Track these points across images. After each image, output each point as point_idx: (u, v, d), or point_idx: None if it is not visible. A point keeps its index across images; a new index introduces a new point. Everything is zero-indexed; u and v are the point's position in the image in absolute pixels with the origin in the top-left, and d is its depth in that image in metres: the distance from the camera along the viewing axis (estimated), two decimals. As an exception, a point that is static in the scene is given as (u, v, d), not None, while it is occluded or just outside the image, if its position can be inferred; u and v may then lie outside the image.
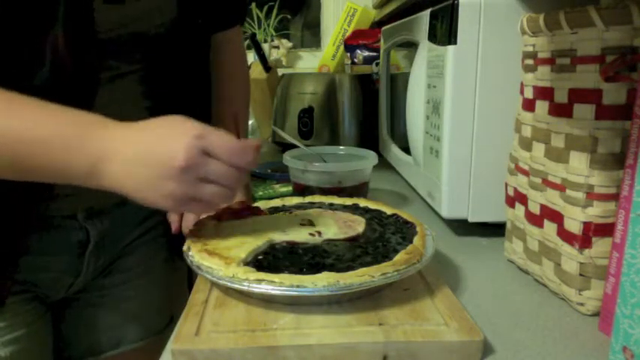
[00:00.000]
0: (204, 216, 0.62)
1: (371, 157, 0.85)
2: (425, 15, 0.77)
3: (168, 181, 0.47)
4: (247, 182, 0.60)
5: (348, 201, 0.70)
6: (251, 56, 1.63)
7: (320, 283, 0.46)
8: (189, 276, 0.87)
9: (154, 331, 0.80)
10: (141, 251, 0.79)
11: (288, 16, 1.99)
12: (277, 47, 1.89)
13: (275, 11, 1.93)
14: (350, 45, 1.57)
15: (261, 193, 0.93)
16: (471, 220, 0.70)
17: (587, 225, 0.49)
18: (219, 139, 0.48)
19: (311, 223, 0.60)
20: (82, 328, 0.76)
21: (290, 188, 0.87)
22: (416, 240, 0.55)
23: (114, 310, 0.77)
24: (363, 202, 0.69)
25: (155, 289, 0.81)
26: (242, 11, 0.88)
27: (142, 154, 0.48)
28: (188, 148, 0.47)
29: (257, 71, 1.53)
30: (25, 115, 0.49)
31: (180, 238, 0.63)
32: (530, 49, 0.57)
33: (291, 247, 0.54)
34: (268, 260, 0.52)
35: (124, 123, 0.50)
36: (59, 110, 0.50)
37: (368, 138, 1.24)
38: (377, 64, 1.48)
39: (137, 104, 0.68)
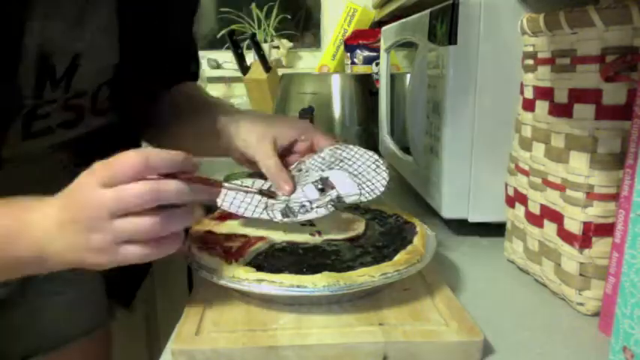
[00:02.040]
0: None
1: (371, 157, 0.85)
2: (425, 15, 0.77)
3: (85, 235, 0.43)
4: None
5: (348, 201, 0.70)
6: (251, 56, 1.64)
7: (320, 283, 0.46)
8: (189, 276, 0.87)
9: (90, 326, 0.76)
10: None
11: (288, 16, 1.99)
12: (277, 47, 1.89)
13: (275, 11, 1.93)
14: (350, 45, 1.57)
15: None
16: (471, 220, 0.70)
17: (587, 225, 0.49)
18: (115, 161, 0.42)
19: (311, 223, 0.60)
20: (8, 331, 0.70)
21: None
22: (416, 240, 0.55)
23: (42, 309, 0.72)
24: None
25: (89, 280, 0.76)
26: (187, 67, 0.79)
27: (67, 213, 0.45)
28: (82, 196, 0.43)
29: (257, 71, 1.54)
30: None
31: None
32: (530, 49, 0.57)
33: (291, 247, 0.54)
34: (268, 260, 0.52)
35: (41, 201, 0.46)
36: None
37: (368, 138, 1.24)
38: (377, 64, 1.48)
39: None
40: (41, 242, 0.45)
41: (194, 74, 0.81)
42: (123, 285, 0.82)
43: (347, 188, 0.55)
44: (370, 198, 0.56)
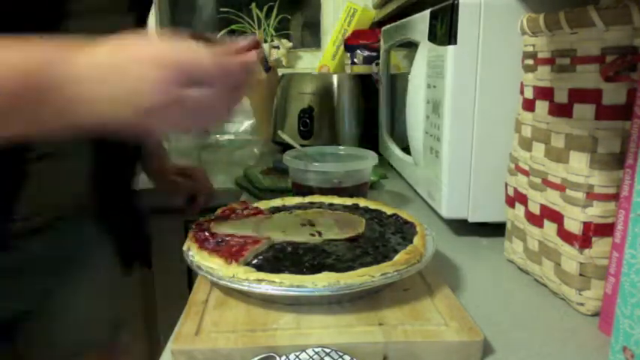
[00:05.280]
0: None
1: (371, 157, 0.85)
2: (425, 15, 0.77)
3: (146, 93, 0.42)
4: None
5: (348, 201, 0.70)
6: (251, 56, 1.63)
7: (320, 283, 0.46)
8: (189, 276, 0.87)
9: (93, 343, 0.75)
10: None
11: (288, 16, 1.99)
12: (277, 47, 1.89)
13: (275, 11, 1.93)
14: (350, 45, 1.57)
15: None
16: (471, 220, 0.70)
17: (587, 225, 0.49)
18: (198, 63, 0.43)
19: (311, 223, 0.60)
20: (24, 344, 0.68)
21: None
22: (416, 240, 0.55)
23: (56, 322, 0.70)
24: (363, 202, 0.69)
25: (96, 298, 0.75)
26: None
27: (116, 76, 0.43)
28: (158, 91, 0.42)
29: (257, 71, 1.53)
30: None
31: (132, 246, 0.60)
32: (530, 49, 0.57)
33: (292, 247, 0.54)
34: (268, 260, 0.52)
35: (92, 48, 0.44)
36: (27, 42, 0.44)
37: (368, 138, 1.24)
38: (377, 64, 1.48)
39: None
40: (81, 82, 0.43)
41: None
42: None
43: None
44: None
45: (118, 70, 0.44)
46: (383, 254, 0.53)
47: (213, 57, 0.44)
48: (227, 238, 0.56)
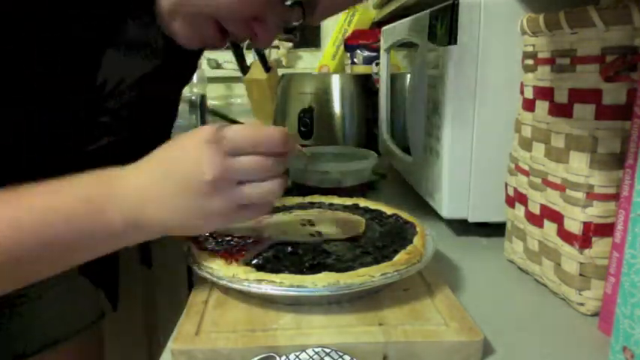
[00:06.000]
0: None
1: (371, 157, 0.85)
2: (425, 15, 0.77)
3: (206, 200, 0.43)
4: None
5: (348, 201, 0.70)
6: (251, 56, 1.63)
7: (320, 283, 0.46)
8: (189, 276, 0.87)
9: (81, 325, 0.75)
10: None
11: (288, 16, 1.98)
12: (277, 47, 1.89)
13: (275, 11, 1.92)
14: (350, 45, 1.57)
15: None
16: (471, 220, 0.70)
17: (587, 225, 0.49)
18: (236, 134, 0.44)
19: (311, 223, 0.60)
20: None
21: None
22: (416, 240, 0.55)
23: (32, 310, 0.70)
24: (363, 202, 0.69)
25: (76, 277, 0.74)
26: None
27: (168, 183, 0.44)
28: (209, 158, 0.43)
29: (257, 71, 1.53)
30: (34, 204, 0.44)
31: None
32: (530, 49, 0.57)
33: (292, 247, 0.54)
34: (268, 260, 0.52)
35: (130, 165, 0.46)
36: (64, 184, 0.45)
37: (368, 138, 1.24)
38: (377, 64, 1.48)
39: None
40: (134, 206, 0.44)
41: None
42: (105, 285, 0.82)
43: None
44: None
45: (170, 167, 0.45)
46: (383, 254, 0.53)
47: (250, 128, 0.45)
48: (227, 238, 0.56)
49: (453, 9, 0.65)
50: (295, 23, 0.54)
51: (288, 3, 0.52)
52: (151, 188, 0.45)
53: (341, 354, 0.41)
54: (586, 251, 0.49)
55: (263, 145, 0.44)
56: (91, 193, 0.45)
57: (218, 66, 1.96)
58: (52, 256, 0.45)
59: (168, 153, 0.46)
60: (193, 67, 0.74)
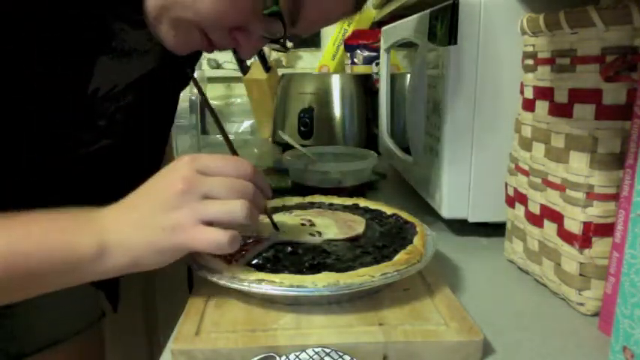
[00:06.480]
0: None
1: (371, 157, 0.85)
2: (425, 15, 0.77)
3: (173, 211, 0.45)
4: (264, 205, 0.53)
5: (348, 201, 0.70)
6: (251, 56, 1.63)
7: (320, 283, 0.46)
8: (189, 276, 0.87)
9: (82, 325, 0.75)
10: None
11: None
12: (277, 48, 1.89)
13: (275, 11, 1.92)
14: (350, 45, 1.57)
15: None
16: (471, 220, 0.70)
17: (587, 225, 0.49)
18: (210, 157, 0.49)
19: (311, 223, 0.60)
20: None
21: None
22: (416, 240, 0.55)
23: (33, 309, 0.70)
24: (363, 202, 0.69)
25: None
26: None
27: (141, 201, 0.48)
28: (182, 173, 0.46)
29: (257, 71, 1.53)
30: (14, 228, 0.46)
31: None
32: (530, 49, 0.57)
33: (292, 247, 0.54)
34: (268, 260, 0.52)
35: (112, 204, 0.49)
36: (45, 214, 0.47)
37: (368, 138, 1.24)
38: (377, 64, 1.48)
39: None
40: (103, 228, 0.46)
41: None
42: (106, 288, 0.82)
43: None
44: None
45: (148, 186, 0.48)
46: (383, 254, 0.53)
47: (222, 156, 0.49)
48: None
49: (453, 9, 0.65)
50: (278, 34, 0.54)
51: (266, 12, 0.52)
52: (122, 211, 0.47)
53: (341, 354, 0.41)
54: (586, 251, 0.49)
55: (232, 169, 0.48)
56: (67, 225, 0.47)
57: (218, 66, 1.96)
58: (21, 282, 0.46)
59: (150, 181, 0.49)
60: (191, 69, 0.74)
